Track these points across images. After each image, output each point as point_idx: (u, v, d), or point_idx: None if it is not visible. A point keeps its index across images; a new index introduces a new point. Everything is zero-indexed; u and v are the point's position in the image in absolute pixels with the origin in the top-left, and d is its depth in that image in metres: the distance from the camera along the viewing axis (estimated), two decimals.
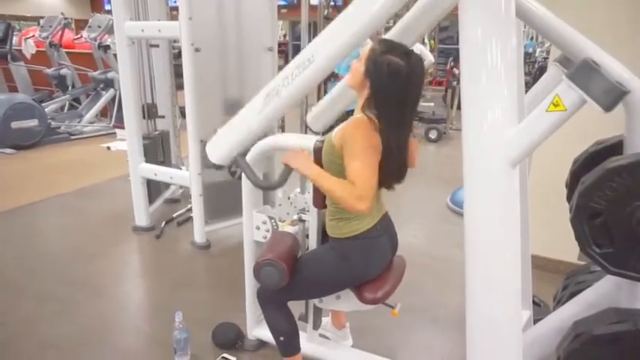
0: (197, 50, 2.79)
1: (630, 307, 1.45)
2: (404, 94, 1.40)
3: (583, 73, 1.09)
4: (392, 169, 1.47)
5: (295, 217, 1.88)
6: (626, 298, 1.49)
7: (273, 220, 1.89)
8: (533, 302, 2.13)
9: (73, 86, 7.04)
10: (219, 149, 1.71)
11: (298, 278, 1.63)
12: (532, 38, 10.09)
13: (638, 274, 1.32)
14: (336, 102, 1.62)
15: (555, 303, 1.90)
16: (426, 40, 9.34)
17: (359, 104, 1.49)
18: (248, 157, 1.78)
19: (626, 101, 1.32)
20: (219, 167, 1.73)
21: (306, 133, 2.51)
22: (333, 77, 4.17)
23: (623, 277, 1.35)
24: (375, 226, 1.57)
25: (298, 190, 2.07)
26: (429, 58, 5.04)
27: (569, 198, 1.59)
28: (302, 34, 3.23)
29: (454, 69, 6.88)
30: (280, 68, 1.69)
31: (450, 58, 7.39)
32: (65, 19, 7.04)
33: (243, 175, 1.89)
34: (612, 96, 1.07)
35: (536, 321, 1.87)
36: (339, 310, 1.92)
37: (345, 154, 1.42)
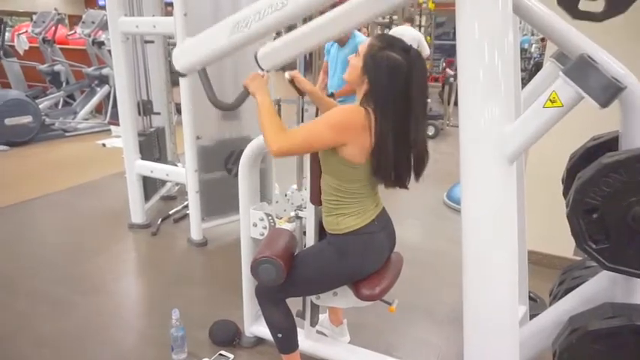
0: None
1: (626, 302, 1.46)
2: (404, 89, 1.40)
3: (580, 69, 1.09)
4: (388, 161, 1.47)
5: (292, 214, 1.88)
6: (621, 293, 1.51)
7: (270, 217, 1.89)
8: (530, 297, 2.15)
9: (67, 82, 6.99)
10: (185, 59, 1.75)
11: (296, 275, 1.63)
12: (533, 34, 10.06)
13: (633, 269, 1.32)
14: (291, 45, 1.62)
15: (551, 298, 1.91)
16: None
17: (358, 98, 1.49)
18: (246, 155, 1.80)
19: (621, 97, 1.32)
20: (182, 75, 1.80)
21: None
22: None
23: (619, 273, 1.36)
24: (373, 222, 1.57)
25: (295, 187, 2.07)
26: (425, 50, 4.93)
27: (565, 194, 1.60)
28: None
29: (447, 69, 6.93)
30: None
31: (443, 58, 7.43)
32: (58, 14, 6.97)
33: (240, 172, 1.90)
34: (609, 92, 1.07)
35: (532, 316, 1.89)
36: (336, 306, 1.93)
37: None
